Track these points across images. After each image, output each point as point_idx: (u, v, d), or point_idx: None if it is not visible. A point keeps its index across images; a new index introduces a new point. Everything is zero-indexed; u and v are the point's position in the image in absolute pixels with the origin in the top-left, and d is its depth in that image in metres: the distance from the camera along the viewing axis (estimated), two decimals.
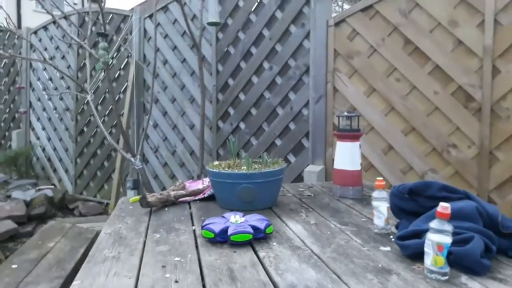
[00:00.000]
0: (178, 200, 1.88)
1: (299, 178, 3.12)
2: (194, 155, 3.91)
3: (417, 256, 1.11)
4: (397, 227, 1.39)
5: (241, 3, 3.48)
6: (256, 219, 1.37)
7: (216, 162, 1.94)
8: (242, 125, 3.53)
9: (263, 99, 3.36)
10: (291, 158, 3.21)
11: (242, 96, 3.51)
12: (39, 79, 5.52)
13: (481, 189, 2.32)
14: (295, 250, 1.24)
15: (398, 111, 2.63)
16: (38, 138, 5.61)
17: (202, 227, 1.35)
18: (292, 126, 3.19)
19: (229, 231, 1.27)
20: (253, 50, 3.41)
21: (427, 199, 1.32)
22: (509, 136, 2.23)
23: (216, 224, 1.34)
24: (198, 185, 2.07)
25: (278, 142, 3.28)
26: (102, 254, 1.24)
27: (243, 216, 1.40)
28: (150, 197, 1.77)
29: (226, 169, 1.81)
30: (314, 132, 3.03)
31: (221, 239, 1.29)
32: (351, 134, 1.96)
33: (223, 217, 1.42)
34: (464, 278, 1.02)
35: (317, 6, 2.96)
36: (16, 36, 5.69)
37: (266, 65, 3.33)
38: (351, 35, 2.83)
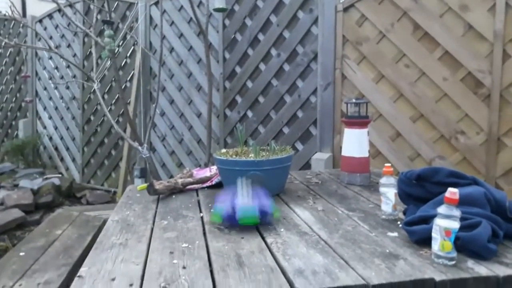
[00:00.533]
0: (185, 187, 1.89)
1: (307, 166, 3.11)
2: (202, 144, 3.91)
3: (424, 241, 1.11)
4: (404, 213, 1.39)
5: None
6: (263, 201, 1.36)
7: (224, 150, 1.93)
8: (249, 113, 3.52)
9: (271, 87, 3.35)
10: (299, 146, 3.20)
11: (249, 84, 3.50)
12: (45, 68, 5.53)
13: (488, 175, 2.30)
14: (302, 236, 1.24)
15: (407, 98, 2.61)
16: (45, 127, 5.64)
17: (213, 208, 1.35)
18: (300, 113, 3.18)
19: (237, 215, 1.28)
20: (261, 36, 3.39)
21: (434, 185, 1.31)
22: None
23: (225, 207, 1.33)
24: (206, 172, 2.07)
25: (286, 130, 3.28)
26: (109, 241, 1.25)
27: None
28: (158, 185, 1.78)
29: (234, 156, 1.81)
30: (322, 119, 3.01)
31: (229, 222, 1.30)
32: (359, 121, 1.95)
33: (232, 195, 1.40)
34: (470, 263, 1.02)
35: None
36: (21, 25, 5.68)
37: (273, 52, 3.30)
38: (359, 21, 2.80)
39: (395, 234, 1.23)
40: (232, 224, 1.29)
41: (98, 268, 1.05)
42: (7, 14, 4.37)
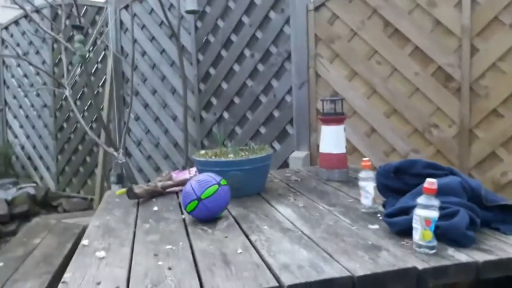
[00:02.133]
0: (165, 190, 1.88)
1: (285, 165, 3.13)
2: (178, 147, 3.89)
3: (405, 232, 1.13)
4: (384, 205, 1.42)
5: None
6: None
7: (203, 151, 1.93)
8: (225, 115, 3.51)
9: (246, 87, 3.35)
10: (276, 145, 3.21)
11: (224, 85, 3.49)
12: (13, 76, 5.38)
13: (462, 167, 2.36)
14: (286, 232, 1.25)
15: (380, 94, 2.65)
16: (16, 137, 5.49)
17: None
18: (276, 113, 3.19)
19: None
20: (234, 37, 3.39)
21: (412, 177, 1.35)
22: (488, 114, 2.27)
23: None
24: (185, 175, 2.06)
25: (263, 130, 3.29)
26: (92, 246, 1.23)
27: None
28: (137, 189, 1.76)
29: (213, 157, 1.81)
30: (298, 118, 3.03)
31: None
32: (336, 118, 1.98)
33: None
34: (451, 251, 1.05)
35: None
36: None
37: (247, 52, 3.31)
38: (331, 19, 2.84)
39: (376, 226, 1.26)
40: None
41: (82, 273, 1.03)
42: None
